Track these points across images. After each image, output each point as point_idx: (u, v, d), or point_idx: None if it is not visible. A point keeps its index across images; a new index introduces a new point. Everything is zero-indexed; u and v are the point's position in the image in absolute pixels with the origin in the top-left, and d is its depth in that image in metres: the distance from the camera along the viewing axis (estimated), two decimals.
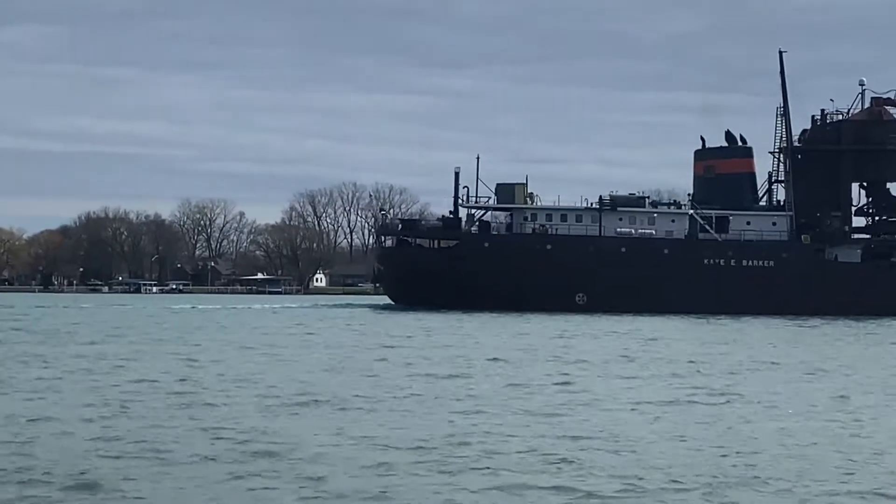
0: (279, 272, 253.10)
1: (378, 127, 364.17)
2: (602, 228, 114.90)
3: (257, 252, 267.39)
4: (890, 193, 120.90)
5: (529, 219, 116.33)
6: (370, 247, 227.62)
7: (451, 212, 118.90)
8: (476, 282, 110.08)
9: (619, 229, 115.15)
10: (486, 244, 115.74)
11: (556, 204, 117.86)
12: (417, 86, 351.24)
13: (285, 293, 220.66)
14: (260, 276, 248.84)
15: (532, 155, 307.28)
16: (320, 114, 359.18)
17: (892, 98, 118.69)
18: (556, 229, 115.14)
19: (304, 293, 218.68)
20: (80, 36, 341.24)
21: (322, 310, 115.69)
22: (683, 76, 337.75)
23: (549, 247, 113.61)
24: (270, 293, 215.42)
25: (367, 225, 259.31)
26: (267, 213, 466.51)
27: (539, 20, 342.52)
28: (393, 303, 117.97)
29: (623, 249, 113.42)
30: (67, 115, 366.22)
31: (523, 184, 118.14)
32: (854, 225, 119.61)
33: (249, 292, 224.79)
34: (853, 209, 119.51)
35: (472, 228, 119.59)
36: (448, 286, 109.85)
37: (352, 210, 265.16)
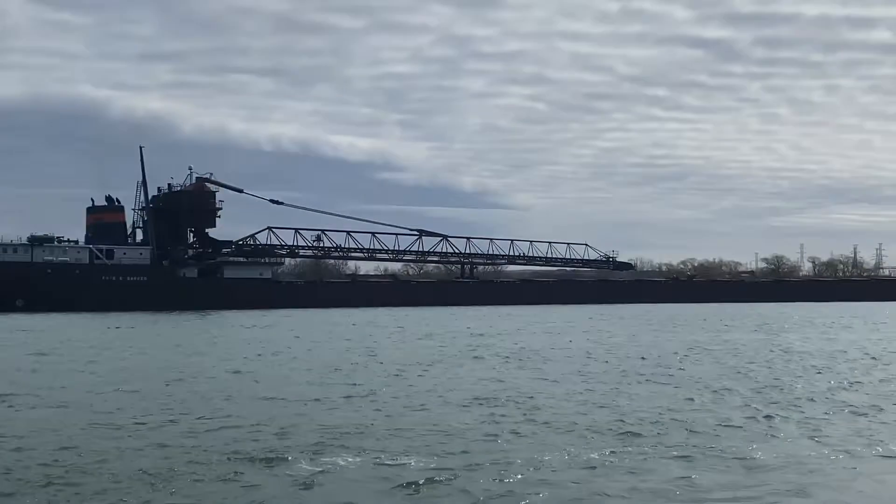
0: None
1: None
2: (34, 256, 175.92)
3: None
4: (209, 236, 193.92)
5: None
6: None
7: None
8: None
9: (46, 257, 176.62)
10: None
11: None
12: None
13: None
14: None
15: None
16: None
17: (209, 177, 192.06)
18: None
19: None
20: None
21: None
22: None
23: None
24: None
25: None
26: None
27: None
28: None
29: (49, 271, 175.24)
30: None
31: None
32: (190, 255, 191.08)
33: None
34: (188, 245, 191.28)
35: None
36: None
37: None
